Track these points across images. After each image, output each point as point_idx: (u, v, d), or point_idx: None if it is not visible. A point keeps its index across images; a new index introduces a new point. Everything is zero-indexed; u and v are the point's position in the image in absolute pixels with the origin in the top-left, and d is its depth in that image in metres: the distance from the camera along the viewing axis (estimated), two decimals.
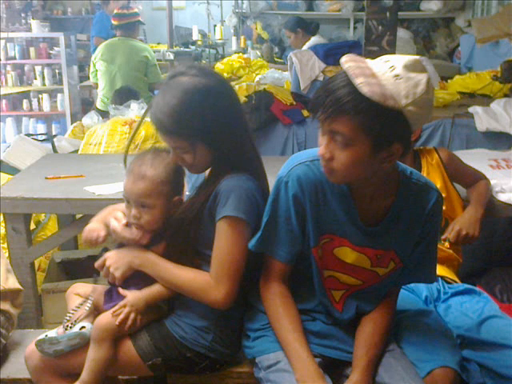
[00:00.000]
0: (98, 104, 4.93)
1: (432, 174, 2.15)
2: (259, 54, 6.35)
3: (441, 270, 1.98)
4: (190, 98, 1.50)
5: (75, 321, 1.63)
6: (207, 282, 1.55)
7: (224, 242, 1.53)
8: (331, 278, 1.57)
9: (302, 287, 1.60)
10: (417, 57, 1.38)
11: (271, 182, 1.61)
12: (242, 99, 3.49)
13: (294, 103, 3.71)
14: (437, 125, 3.47)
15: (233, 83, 4.08)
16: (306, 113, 3.58)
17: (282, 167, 1.55)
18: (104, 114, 4.34)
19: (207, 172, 1.64)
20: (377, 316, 1.58)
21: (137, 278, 1.62)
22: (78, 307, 1.68)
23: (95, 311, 1.68)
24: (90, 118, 4.20)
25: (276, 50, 6.85)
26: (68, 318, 1.66)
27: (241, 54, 5.95)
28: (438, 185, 2.09)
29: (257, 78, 4.58)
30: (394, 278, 1.59)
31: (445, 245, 2.08)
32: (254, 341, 1.61)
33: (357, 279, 1.56)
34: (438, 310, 1.89)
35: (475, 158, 2.60)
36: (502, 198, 2.34)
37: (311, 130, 3.52)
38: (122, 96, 4.09)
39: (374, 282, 1.57)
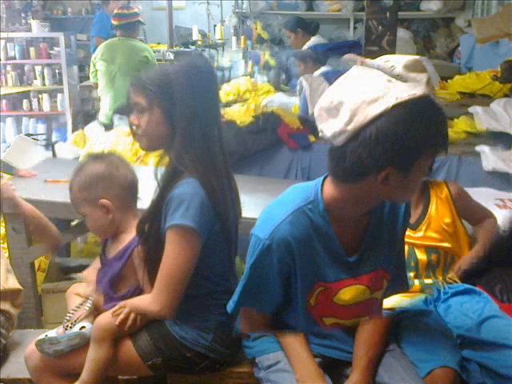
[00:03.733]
0: (101, 117, 4.89)
1: (441, 207, 2.06)
2: (266, 78, 6.31)
3: None
4: (175, 69, 1.57)
5: (75, 321, 1.63)
6: (147, 295, 1.56)
7: (170, 252, 1.51)
8: (335, 324, 1.54)
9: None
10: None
11: (270, 199, 1.50)
12: (249, 119, 3.46)
13: (301, 127, 3.66)
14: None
15: (239, 104, 4.06)
16: (312, 138, 3.54)
17: (259, 221, 1.44)
18: (106, 127, 4.29)
19: (160, 177, 1.59)
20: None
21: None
22: (78, 307, 1.68)
23: (95, 311, 1.68)
24: (93, 128, 4.18)
25: (283, 76, 6.82)
26: (68, 318, 1.66)
27: (248, 77, 5.90)
28: (447, 220, 2.03)
29: (264, 102, 4.50)
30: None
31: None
32: (254, 341, 1.61)
33: (359, 317, 1.54)
34: (438, 310, 1.89)
35: (481, 198, 2.52)
36: None
37: (316, 156, 3.47)
38: (124, 113, 4.05)
39: (373, 307, 1.55)
